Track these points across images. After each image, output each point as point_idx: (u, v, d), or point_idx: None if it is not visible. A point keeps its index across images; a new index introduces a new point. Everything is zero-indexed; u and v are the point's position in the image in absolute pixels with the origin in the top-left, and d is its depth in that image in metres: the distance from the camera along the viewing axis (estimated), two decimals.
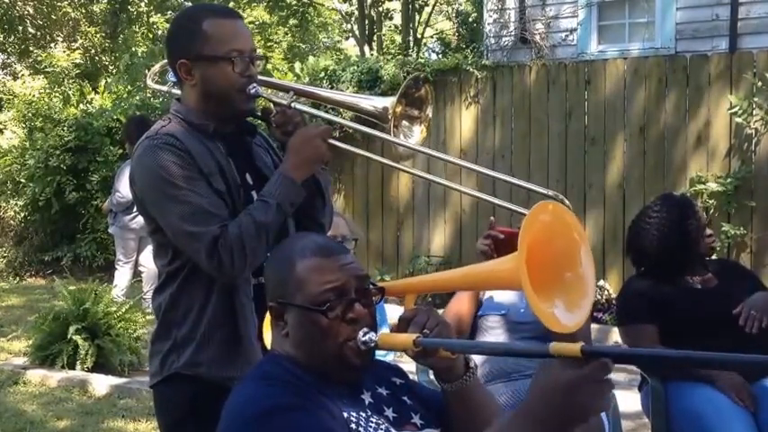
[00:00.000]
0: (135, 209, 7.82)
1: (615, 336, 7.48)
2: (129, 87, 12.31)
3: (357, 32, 17.03)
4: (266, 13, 19.70)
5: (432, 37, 18.16)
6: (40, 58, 16.14)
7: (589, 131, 8.53)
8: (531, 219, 1.98)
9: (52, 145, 10.75)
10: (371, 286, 1.98)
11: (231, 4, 15.35)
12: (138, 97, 11.64)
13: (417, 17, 17.07)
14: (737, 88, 7.81)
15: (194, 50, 2.44)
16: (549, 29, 10.00)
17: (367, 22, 16.76)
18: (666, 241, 3.72)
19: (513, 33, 10.18)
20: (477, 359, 2.27)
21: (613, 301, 7.83)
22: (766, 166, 7.76)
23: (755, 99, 7.69)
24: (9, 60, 18.63)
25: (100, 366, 6.38)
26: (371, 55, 14.59)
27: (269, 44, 19.64)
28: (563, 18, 10.02)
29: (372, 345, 1.89)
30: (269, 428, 1.77)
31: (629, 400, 4.35)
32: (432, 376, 2.05)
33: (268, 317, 2.06)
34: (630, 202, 8.10)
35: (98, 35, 17.93)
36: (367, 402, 1.93)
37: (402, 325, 1.93)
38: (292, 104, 2.57)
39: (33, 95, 12.16)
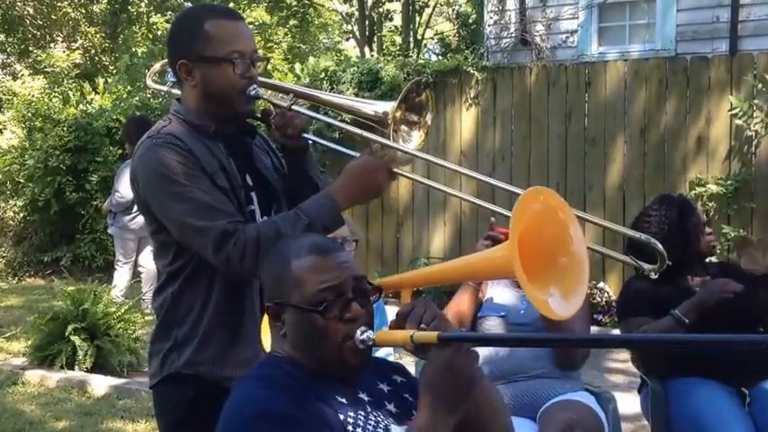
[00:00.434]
0: (134, 209, 7.85)
1: None
2: (128, 88, 12.30)
3: (357, 33, 17.04)
4: (266, 14, 19.70)
5: (432, 38, 18.16)
6: (39, 59, 16.14)
7: (589, 133, 8.53)
8: (522, 207, 1.99)
9: (52, 145, 10.73)
10: (368, 285, 1.98)
11: (231, 5, 15.35)
12: (137, 98, 11.62)
13: (418, 18, 17.07)
14: (738, 90, 7.81)
15: (195, 51, 2.43)
16: (550, 30, 10.00)
17: (367, 23, 16.76)
18: (666, 240, 3.70)
19: (513, 35, 10.18)
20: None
21: (613, 303, 7.84)
22: (766, 168, 7.76)
23: (756, 101, 7.69)
24: (9, 60, 18.62)
25: (99, 367, 6.38)
26: (372, 56, 14.59)
27: (269, 45, 19.64)
28: (563, 20, 10.02)
29: (370, 343, 1.89)
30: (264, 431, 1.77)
31: (628, 403, 4.34)
32: None
33: (265, 320, 2.05)
34: (630, 203, 8.10)
35: (98, 35, 17.94)
36: (366, 400, 1.93)
37: (399, 320, 1.93)
38: (292, 107, 2.55)
39: (33, 95, 12.14)
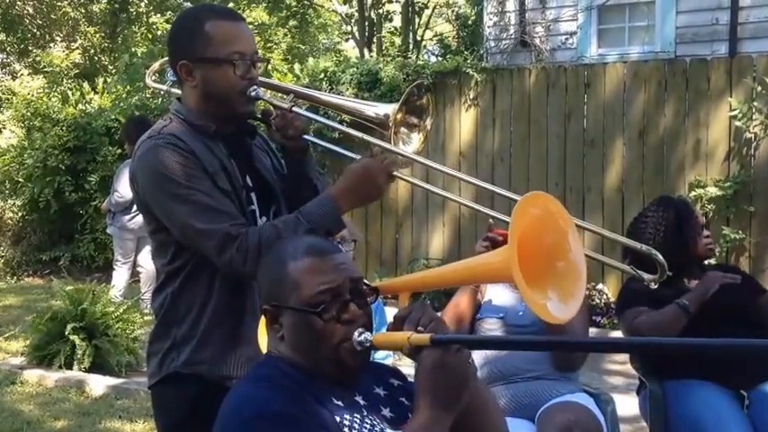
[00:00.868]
0: (134, 209, 7.85)
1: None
2: (128, 88, 12.30)
3: (357, 34, 17.04)
4: (266, 14, 19.70)
5: (432, 39, 18.16)
6: (39, 58, 16.14)
7: (588, 135, 8.53)
8: (521, 211, 1.99)
9: (51, 145, 10.74)
10: (365, 286, 1.98)
11: (231, 5, 15.34)
12: (136, 98, 11.62)
13: (417, 19, 17.07)
14: (737, 92, 7.81)
15: (196, 52, 2.43)
16: (549, 32, 10.01)
17: (367, 23, 16.76)
18: (664, 242, 3.71)
19: (512, 36, 10.19)
20: (476, 361, 2.26)
21: (612, 305, 7.84)
22: (765, 171, 7.76)
23: (755, 103, 7.69)
24: (8, 60, 18.62)
25: (97, 367, 6.37)
26: (371, 57, 14.59)
27: (268, 45, 19.64)
28: (563, 21, 10.03)
29: (368, 345, 1.89)
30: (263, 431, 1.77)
31: (627, 404, 4.34)
32: None
33: (262, 322, 2.05)
34: (629, 205, 8.10)
35: (97, 35, 17.93)
36: (362, 404, 1.92)
37: (397, 323, 1.92)
38: (292, 108, 2.55)
39: (32, 95, 12.14)
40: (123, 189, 7.92)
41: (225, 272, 2.38)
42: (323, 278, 1.90)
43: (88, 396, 6.01)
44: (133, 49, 16.89)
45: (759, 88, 7.67)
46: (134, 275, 8.46)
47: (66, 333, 6.30)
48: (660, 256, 2.34)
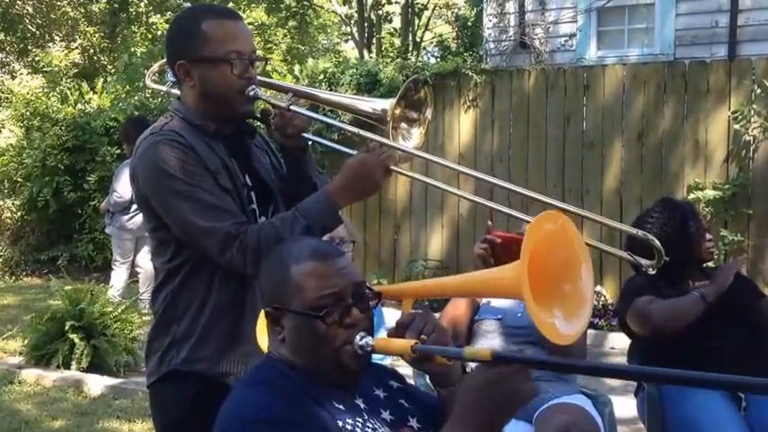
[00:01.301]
0: (132, 209, 7.85)
1: (611, 341, 7.50)
2: (127, 88, 12.30)
3: (356, 35, 17.03)
4: (265, 15, 19.68)
5: (431, 41, 18.15)
6: (38, 58, 16.13)
7: (587, 137, 8.53)
8: (535, 228, 1.97)
9: (50, 144, 10.73)
10: (368, 290, 1.98)
11: (230, 5, 15.34)
12: (136, 98, 11.62)
13: (417, 21, 17.07)
14: (736, 95, 7.82)
15: (193, 51, 2.42)
16: (549, 34, 10.02)
17: (366, 24, 16.75)
18: (669, 244, 3.70)
19: (512, 38, 10.20)
20: (474, 364, 2.26)
21: (610, 307, 7.85)
22: (764, 173, 7.77)
23: (754, 106, 7.70)
24: (7, 59, 18.61)
25: (95, 367, 6.37)
26: (370, 58, 14.59)
27: (268, 45, 19.64)
28: (562, 23, 10.04)
29: (369, 349, 1.89)
30: None
31: (625, 406, 4.34)
32: (429, 380, 2.05)
33: (262, 320, 2.05)
34: (628, 207, 8.11)
35: (97, 35, 17.93)
36: (362, 407, 1.93)
37: (399, 330, 1.93)
38: (291, 107, 2.55)
39: (31, 95, 12.14)
40: (122, 189, 7.92)
41: (226, 269, 2.38)
42: (326, 282, 1.90)
43: (86, 396, 6.00)
44: (132, 49, 16.88)
45: (758, 91, 7.68)
46: (133, 275, 8.46)
47: (66, 331, 6.30)
48: (657, 242, 2.32)
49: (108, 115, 11.06)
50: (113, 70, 16.03)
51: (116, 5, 18.18)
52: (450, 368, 1.95)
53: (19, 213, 11.60)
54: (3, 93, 14.25)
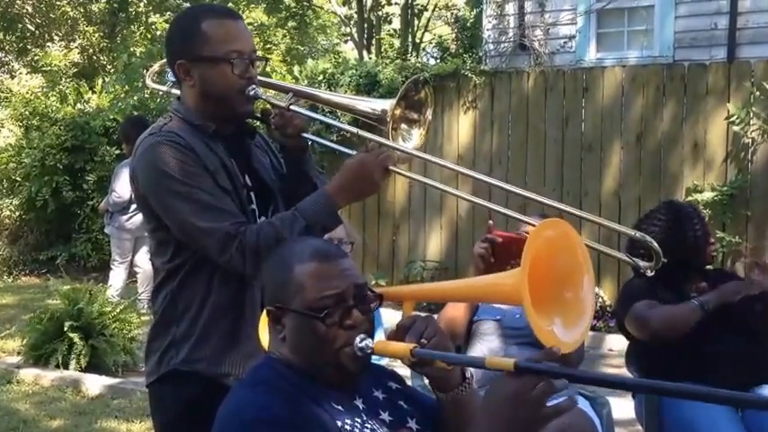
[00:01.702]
0: (131, 209, 7.85)
1: (609, 343, 7.50)
2: (126, 87, 12.28)
3: (356, 36, 17.03)
4: (265, 15, 19.68)
5: (431, 42, 18.15)
6: (37, 57, 16.12)
7: (586, 139, 8.54)
8: (537, 234, 1.97)
9: (49, 144, 10.72)
10: (370, 292, 1.98)
11: (230, 5, 15.33)
12: (135, 98, 11.62)
13: (416, 22, 17.07)
14: (735, 97, 7.82)
15: (193, 51, 2.42)
16: (548, 35, 10.02)
17: (366, 25, 16.75)
18: (672, 248, 3.71)
19: (511, 40, 10.20)
20: (473, 369, 2.26)
21: (607, 309, 7.86)
22: (762, 176, 7.78)
23: (753, 108, 7.71)
24: (7, 59, 18.60)
25: (93, 366, 6.37)
26: (370, 59, 14.59)
27: (267, 46, 19.63)
28: (562, 25, 10.04)
29: (369, 351, 1.89)
30: None
31: (623, 408, 4.35)
32: (427, 382, 2.05)
33: (264, 319, 2.06)
34: (626, 209, 8.11)
35: (96, 35, 17.92)
36: (361, 408, 1.93)
37: (399, 333, 1.93)
38: (291, 106, 2.55)
39: (30, 94, 12.13)
40: (121, 189, 7.92)
41: (225, 269, 2.38)
42: (328, 283, 1.90)
43: (84, 395, 6.00)
44: (132, 49, 16.87)
45: (757, 93, 7.68)
46: (131, 275, 8.46)
47: (64, 331, 6.30)
48: (655, 243, 2.32)
49: (107, 115, 11.06)
50: (112, 70, 16.02)
51: (115, 5, 18.18)
52: (450, 373, 1.94)
53: (17, 213, 11.59)
54: (2, 92, 14.24)
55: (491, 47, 10.40)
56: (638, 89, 8.30)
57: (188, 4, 15.58)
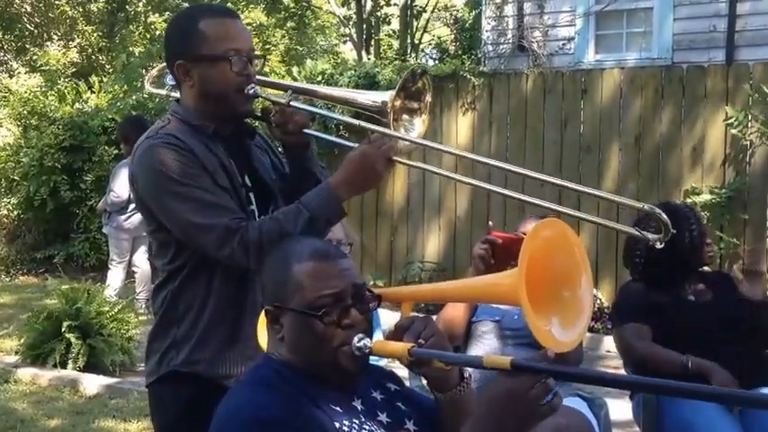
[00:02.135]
0: (129, 209, 7.85)
1: (607, 344, 7.50)
2: (125, 87, 12.27)
3: (355, 37, 17.02)
4: (264, 15, 19.66)
5: (429, 43, 18.14)
6: (36, 57, 16.10)
7: (584, 140, 8.54)
8: (534, 234, 1.97)
9: (47, 143, 10.71)
10: (368, 293, 1.98)
11: (229, 5, 15.32)
12: (133, 97, 11.61)
13: (415, 23, 17.06)
14: (734, 100, 7.83)
15: (192, 51, 2.43)
16: (547, 37, 10.02)
17: (365, 26, 16.74)
18: (669, 249, 3.71)
19: (510, 41, 10.20)
20: (471, 369, 2.26)
21: (605, 310, 7.85)
22: (760, 178, 7.78)
23: (751, 111, 7.71)
24: (5, 58, 18.58)
25: (91, 366, 6.37)
26: (369, 59, 14.59)
27: (266, 46, 19.62)
28: (561, 27, 10.04)
29: (367, 351, 1.89)
30: None
31: (621, 409, 4.35)
32: (425, 382, 2.05)
33: (263, 319, 2.06)
34: (624, 211, 8.10)
35: (95, 34, 17.89)
36: (359, 408, 1.93)
37: (398, 332, 1.93)
38: (291, 102, 2.55)
39: (29, 93, 12.12)
40: (119, 189, 7.92)
41: (227, 265, 2.38)
42: (326, 283, 1.90)
43: (82, 395, 6.00)
44: (131, 49, 16.85)
45: (755, 96, 7.69)
46: (129, 275, 8.46)
47: (63, 331, 6.30)
48: (663, 215, 2.30)
49: (105, 115, 11.05)
50: (111, 70, 16.00)
51: (114, 5, 18.17)
52: (448, 373, 1.95)
53: (15, 212, 11.59)
54: (0, 91, 14.23)
55: (490, 48, 10.40)
56: (636, 91, 8.31)
57: (186, 4, 15.58)
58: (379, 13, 17.14)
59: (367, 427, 1.88)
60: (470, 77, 8.99)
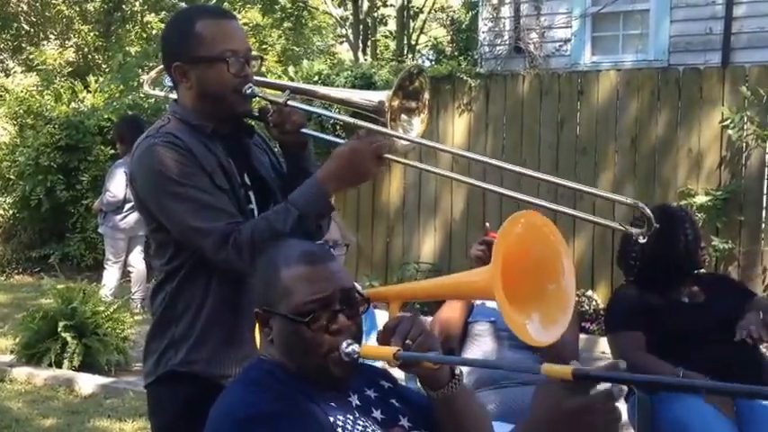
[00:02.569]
0: (125, 208, 7.85)
1: (602, 346, 7.50)
2: (121, 87, 12.26)
3: (351, 37, 17.03)
4: (260, 16, 19.67)
5: (426, 44, 18.16)
6: (32, 56, 16.09)
7: (581, 142, 8.55)
8: (505, 230, 1.99)
9: (43, 143, 10.70)
10: (357, 295, 1.98)
11: (225, 6, 15.32)
12: (129, 97, 11.60)
13: (412, 24, 17.08)
14: (729, 102, 7.84)
15: (189, 52, 2.43)
16: (544, 39, 10.04)
17: (361, 27, 16.75)
18: (664, 252, 3.72)
19: (507, 42, 10.22)
20: (465, 367, 2.27)
21: (601, 312, 7.85)
22: (756, 180, 7.80)
23: (747, 113, 7.72)
24: (1, 57, 18.56)
25: (87, 366, 6.37)
26: (365, 60, 14.60)
27: (263, 47, 19.62)
28: (557, 28, 10.06)
29: (355, 356, 1.89)
30: None
31: None
32: (418, 383, 2.06)
33: None
34: (620, 213, 8.11)
35: (91, 34, 17.88)
36: (354, 405, 1.94)
37: (386, 334, 1.93)
38: (288, 102, 2.55)
39: (25, 93, 12.11)
40: (115, 188, 7.91)
41: (223, 268, 2.38)
42: (314, 287, 1.90)
43: (77, 395, 6.00)
44: (127, 48, 16.84)
45: (751, 98, 7.70)
46: (125, 275, 8.45)
47: (59, 331, 6.29)
48: (647, 210, 2.31)
49: (101, 115, 11.04)
50: (107, 69, 15.99)
51: (111, 4, 18.15)
52: (438, 371, 1.95)
53: (11, 211, 11.57)
54: None
55: (486, 49, 10.41)
56: (632, 93, 8.32)
57: (183, 4, 15.58)
58: (375, 14, 17.16)
59: (361, 424, 1.89)
60: (467, 79, 8.99)
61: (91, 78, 12.22)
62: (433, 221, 9.23)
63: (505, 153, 8.89)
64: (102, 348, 6.40)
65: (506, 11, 10.33)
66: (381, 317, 4.37)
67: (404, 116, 2.57)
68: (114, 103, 11.40)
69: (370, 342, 2.05)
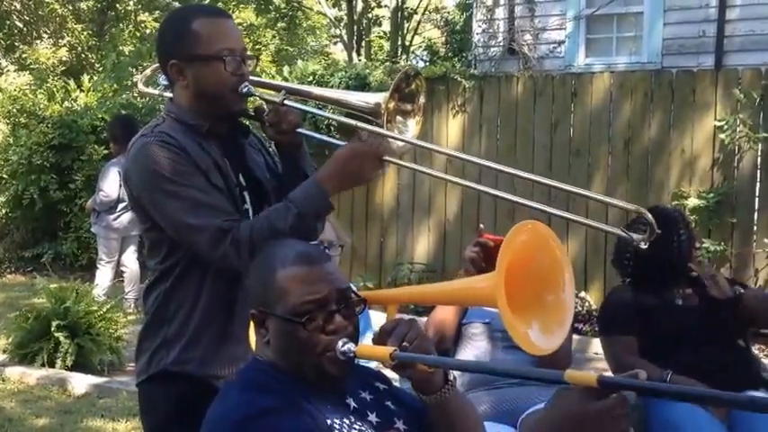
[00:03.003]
0: (119, 208, 7.84)
1: (595, 347, 7.52)
2: (114, 86, 12.24)
3: (345, 38, 17.02)
4: (254, 16, 19.65)
5: (420, 45, 18.16)
6: (25, 55, 16.05)
7: (574, 144, 8.57)
8: (512, 238, 1.99)
9: (36, 142, 10.66)
10: (354, 296, 1.98)
11: (219, 5, 15.29)
12: (123, 96, 11.57)
13: (406, 24, 17.07)
14: (722, 105, 7.87)
15: (185, 51, 2.44)
16: (538, 40, 10.05)
17: (356, 27, 16.74)
18: (658, 253, 3.73)
19: (501, 44, 10.23)
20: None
21: (594, 313, 7.87)
22: (748, 183, 7.83)
23: (740, 115, 7.75)
24: None
25: (79, 365, 6.35)
26: (359, 61, 14.59)
27: (257, 47, 19.60)
28: (551, 30, 10.08)
29: (351, 355, 1.89)
30: None
31: None
32: (411, 386, 2.06)
33: None
34: (613, 214, 8.13)
35: (85, 32, 17.84)
36: (351, 408, 1.94)
37: (382, 336, 1.93)
38: (285, 101, 2.55)
39: (18, 91, 12.08)
40: (108, 188, 7.90)
41: (219, 267, 2.38)
42: (310, 288, 1.90)
43: (70, 394, 5.99)
44: (120, 48, 16.81)
45: (744, 100, 7.73)
46: (118, 275, 8.43)
47: (52, 330, 6.28)
48: (649, 215, 2.32)
49: (95, 114, 11.00)
50: (101, 68, 15.95)
51: (104, 3, 18.12)
52: (432, 375, 1.95)
53: (4, 210, 11.55)
54: None
55: (480, 51, 10.43)
56: (626, 95, 8.34)
57: (177, 4, 15.55)
58: (369, 15, 17.15)
59: (357, 427, 1.89)
60: (461, 80, 9.00)
61: (84, 77, 12.18)
62: (426, 222, 9.24)
63: (499, 154, 8.90)
64: (95, 348, 6.39)
65: (500, 12, 10.34)
66: (376, 317, 4.38)
67: (399, 118, 2.57)
68: (108, 103, 11.37)
69: (365, 342, 2.05)
